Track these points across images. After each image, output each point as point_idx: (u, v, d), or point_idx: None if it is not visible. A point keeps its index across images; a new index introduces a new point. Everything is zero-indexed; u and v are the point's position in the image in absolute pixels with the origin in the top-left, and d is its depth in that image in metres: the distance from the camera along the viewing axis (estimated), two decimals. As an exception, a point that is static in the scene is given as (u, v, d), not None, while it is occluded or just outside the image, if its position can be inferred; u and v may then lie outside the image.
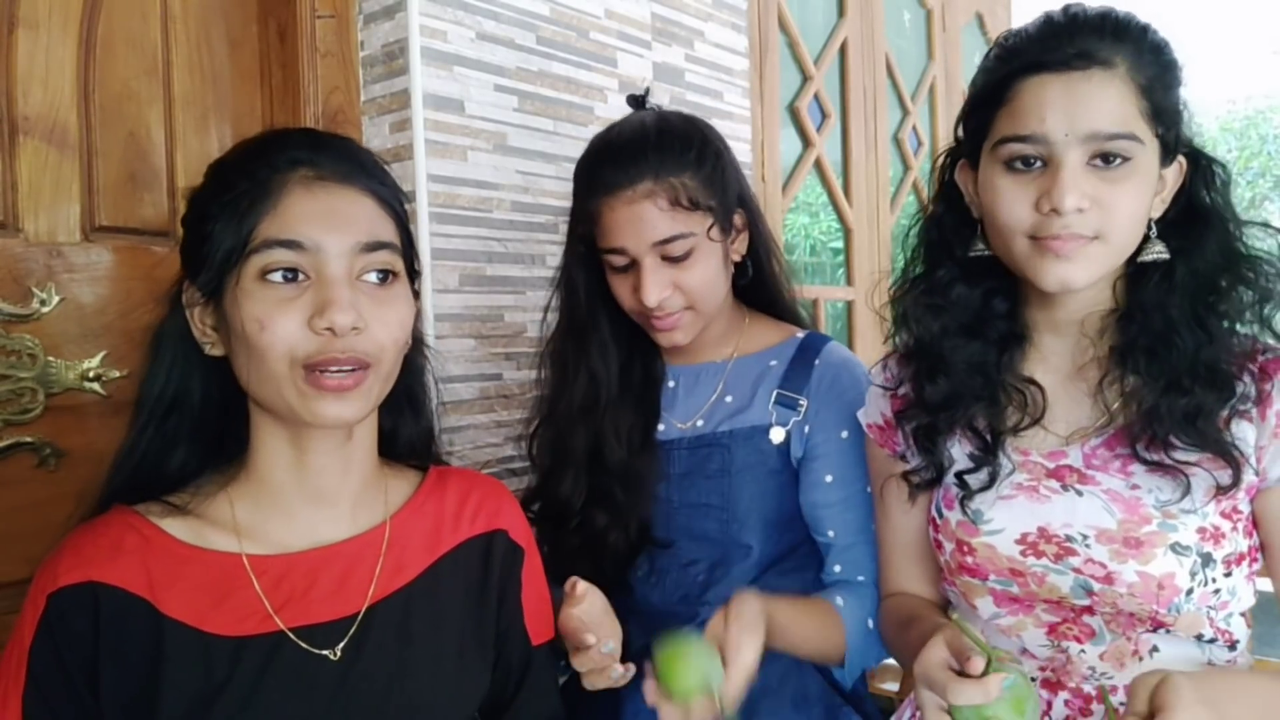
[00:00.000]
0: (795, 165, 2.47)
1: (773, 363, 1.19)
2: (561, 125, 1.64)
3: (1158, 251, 0.88)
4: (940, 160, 0.99)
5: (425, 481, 0.95)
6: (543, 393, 1.25)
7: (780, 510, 1.14)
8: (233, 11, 1.42)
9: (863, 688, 1.21)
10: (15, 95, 1.20)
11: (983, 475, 0.93)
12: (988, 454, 0.93)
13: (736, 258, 1.18)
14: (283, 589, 0.82)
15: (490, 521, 0.94)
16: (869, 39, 2.73)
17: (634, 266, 1.09)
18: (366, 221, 0.81)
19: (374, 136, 1.48)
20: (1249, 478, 0.85)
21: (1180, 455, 0.85)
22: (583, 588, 0.93)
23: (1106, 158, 0.83)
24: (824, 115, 2.58)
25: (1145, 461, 0.87)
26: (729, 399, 1.19)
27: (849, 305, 2.72)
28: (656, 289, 1.08)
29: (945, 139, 1.91)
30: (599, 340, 1.19)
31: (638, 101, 1.20)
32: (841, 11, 2.64)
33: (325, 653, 0.81)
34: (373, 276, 0.81)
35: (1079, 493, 0.89)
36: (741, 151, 2.04)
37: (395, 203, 0.86)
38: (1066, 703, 0.92)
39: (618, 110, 1.20)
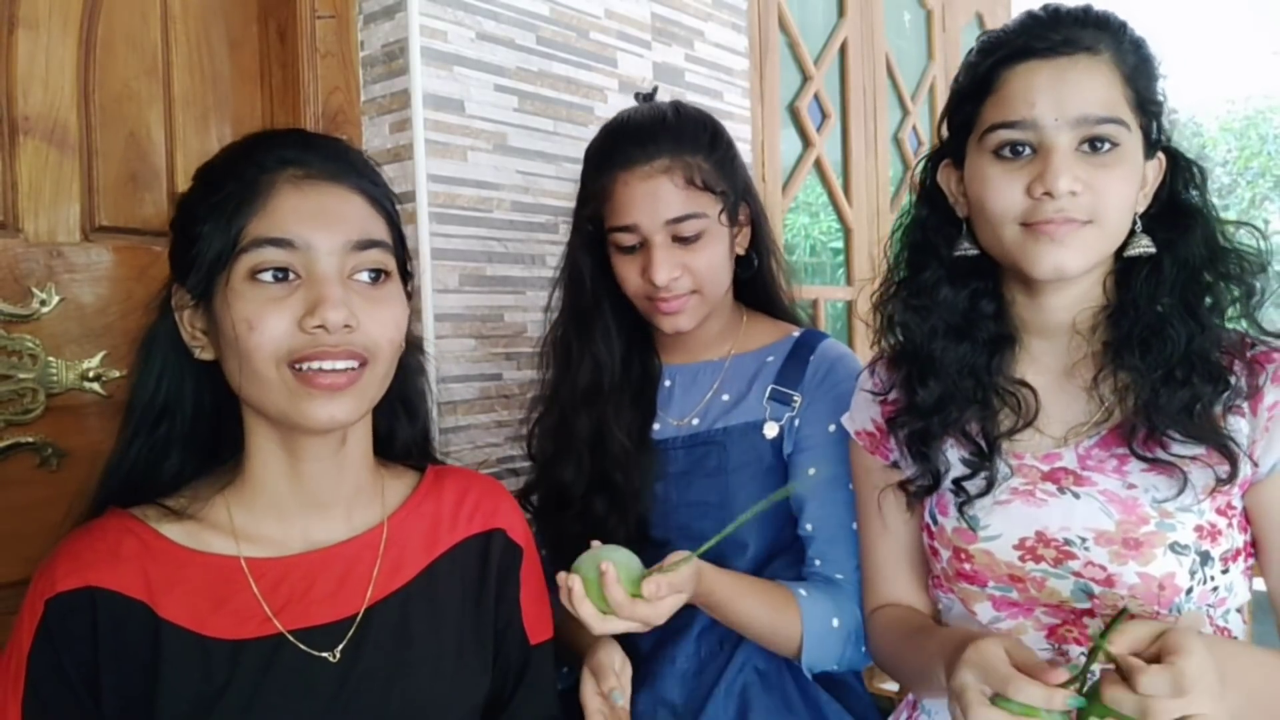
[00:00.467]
0: (795, 165, 2.47)
1: (769, 359, 1.19)
2: (561, 125, 1.64)
3: (1144, 245, 0.88)
4: (920, 164, 0.99)
5: (422, 481, 0.94)
6: (543, 377, 1.24)
7: (776, 507, 1.14)
8: (233, 11, 1.42)
9: (859, 685, 1.21)
10: (15, 95, 1.20)
11: (980, 481, 0.92)
12: (983, 459, 0.92)
13: (740, 251, 1.19)
14: (281, 591, 0.81)
15: (488, 520, 0.94)
16: (869, 39, 2.73)
17: (643, 247, 1.10)
18: (357, 220, 0.81)
19: (374, 136, 1.48)
20: (1245, 471, 0.85)
21: (1177, 450, 0.85)
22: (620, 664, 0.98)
23: (1095, 144, 0.84)
24: (824, 115, 2.58)
25: (1142, 459, 0.87)
26: (725, 396, 1.19)
27: (849, 305, 2.72)
28: (666, 268, 1.08)
29: (945, 139, 1.90)
30: (603, 326, 1.19)
31: (646, 99, 1.21)
32: (841, 11, 2.64)
33: (325, 654, 0.81)
34: (364, 275, 0.80)
35: (1075, 495, 0.89)
36: (742, 151, 2.03)
37: (387, 202, 0.85)
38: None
39: (618, 110, 1.21)
